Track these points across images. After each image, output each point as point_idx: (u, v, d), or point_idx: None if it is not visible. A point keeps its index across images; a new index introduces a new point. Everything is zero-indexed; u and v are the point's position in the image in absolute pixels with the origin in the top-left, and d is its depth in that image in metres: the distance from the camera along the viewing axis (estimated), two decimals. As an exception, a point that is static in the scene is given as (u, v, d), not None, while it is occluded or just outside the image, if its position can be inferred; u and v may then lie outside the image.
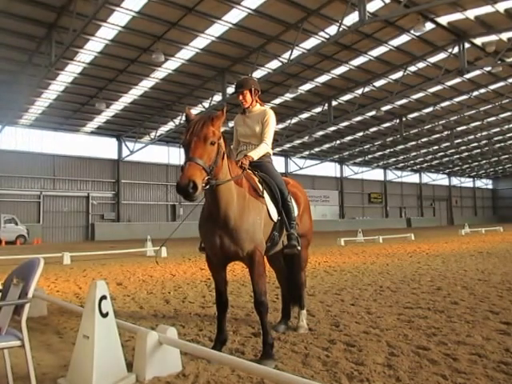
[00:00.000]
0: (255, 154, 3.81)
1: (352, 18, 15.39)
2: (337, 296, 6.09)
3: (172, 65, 20.07)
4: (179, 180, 2.81)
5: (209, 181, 3.00)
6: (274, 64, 19.97)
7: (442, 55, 20.52)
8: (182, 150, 3.10)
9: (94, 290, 2.91)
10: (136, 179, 33.14)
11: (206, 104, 23.83)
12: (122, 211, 32.01)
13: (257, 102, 4.05)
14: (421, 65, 21.78)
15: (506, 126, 35.77)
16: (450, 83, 24.54)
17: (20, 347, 2.62)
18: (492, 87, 25.75)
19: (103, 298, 2.93)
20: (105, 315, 2.91)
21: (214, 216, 3.35)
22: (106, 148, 32.10)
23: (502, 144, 42.91)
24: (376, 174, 50.80)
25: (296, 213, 3.98)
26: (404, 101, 27.52)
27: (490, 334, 3.92)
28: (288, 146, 37.75)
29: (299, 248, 3.84)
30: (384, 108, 28.37)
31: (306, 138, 34.61)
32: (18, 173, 27.82)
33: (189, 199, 2.84)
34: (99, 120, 28.27)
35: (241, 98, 3.97)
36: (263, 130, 3.94)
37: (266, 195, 3.66)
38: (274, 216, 3.66)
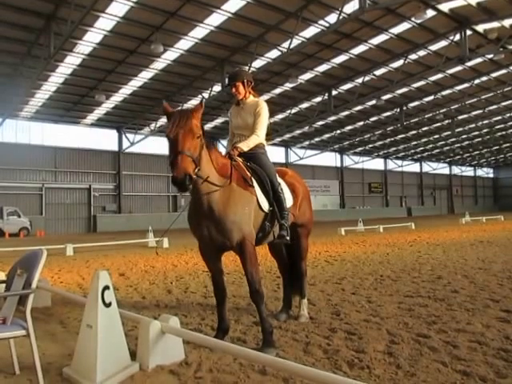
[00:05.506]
0: (244, 146, 3.81)
1: (352, 6, 15.21)
2: (337, 285, 6.13)
3: (171, 55, 19.91)
4: (175, 173, 2.84)
5: (197, 173, 3.03)
6: (274, 53, 19.80)
7: (443, 43, 20.29)
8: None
9: (97, 281, 2.94)
10: (137, 171, 33.12)
11: (206, 94, 23.70)
12: (123, 203, 32.05)
13: (250, 93, 4.05)
14: (422, 53, 21.55)
15: (508, 114, 35.47)
16: (451, 71, 24.31)
17: (25, 337, 2.67)
18: (494, 75, 25.50)
19: (106, 288, 2.96)
20: (108, 305, 2.94)
21: (199, 208, 3.37)
22: (106, 140, 32.02)
23: (504, 132, 42.64)
24: (376, 164, 50.67)
25: (290, 203, 3.99)
26: (404, 89, 27.30)
27: (490, 321, 3.95)
28: (288, 136, 37.60)
29: (288, 238, 3.80)
30: (384, 97, 28.15)
31: (306, 127, 34.44)
32: (20, 165, 27.78)
33: (184, 191, 2.89)
34: (99, 112, 28.15)
35: (234, 90, 3.98)
36: (255, 121, 3.94)
37: (256, 186, 3.66)
38: (265, 207, 3.67)
